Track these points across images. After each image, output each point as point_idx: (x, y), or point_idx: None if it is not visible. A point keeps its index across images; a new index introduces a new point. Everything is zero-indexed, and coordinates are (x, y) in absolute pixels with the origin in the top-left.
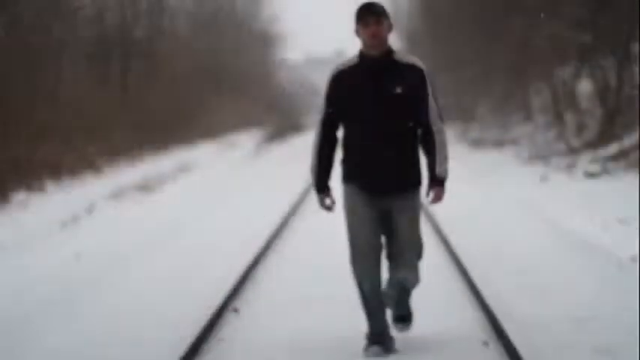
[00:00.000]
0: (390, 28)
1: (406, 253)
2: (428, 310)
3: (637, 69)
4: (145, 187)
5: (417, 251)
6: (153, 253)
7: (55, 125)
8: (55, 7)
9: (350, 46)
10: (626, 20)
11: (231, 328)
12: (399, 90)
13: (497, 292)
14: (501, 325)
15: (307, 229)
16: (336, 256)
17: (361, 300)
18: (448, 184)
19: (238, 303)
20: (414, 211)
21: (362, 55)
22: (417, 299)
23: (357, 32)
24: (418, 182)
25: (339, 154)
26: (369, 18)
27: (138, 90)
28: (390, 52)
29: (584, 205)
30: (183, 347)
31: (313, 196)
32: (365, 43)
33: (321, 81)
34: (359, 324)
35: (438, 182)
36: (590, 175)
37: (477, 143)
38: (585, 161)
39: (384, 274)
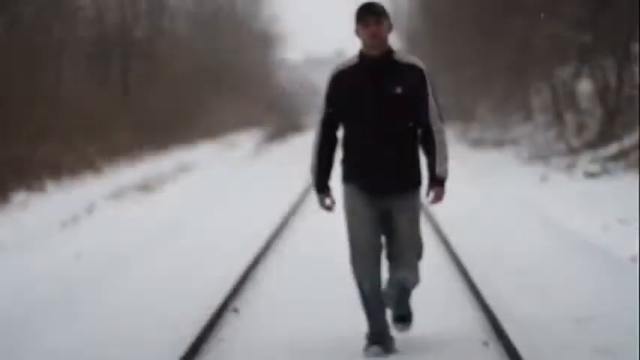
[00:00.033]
0: (390, 28)
1: (406, 253)
2: (428, 310)
3: (637, 69)
4: (145, 187)
5: (417, 251)
6: (153, 253)
7: (55, 125)
8: (55, 7)
9: (350, 46)
10: (626, 20)
11: (231, 328)
12: (399, 90)
13: (497, 292)
14: (501, 325)
15: (307, 229)
16: (336, 256)
17: (361, 300)
18: (448, 184)
19: (238, 303)
20: (414, 210)
21: (362, 55)
22: (417, 299)
23: (357, 32)
24: (418, 182)
25: (338, 154)
26: (369, 18)
27: (138, 90)
28: (390, 52)
29: (584, 205)
30: (183, 347)
31: (313, 197)
32: (365, 43)
33: (321, 81)
34: (359, 324)
35: (438, 182)
36: (590, 175)
37: (477, 143)
38: (585, 161)
39: (384, 274)
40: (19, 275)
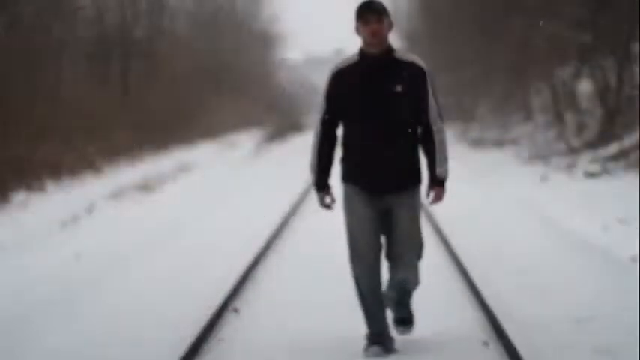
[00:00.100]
0: (390, 26)
1: (406, 253)
2: (428, 310)
3: (637, 69)
4: (145, 187)
5: (417, 251)
6: (153, 253)
7: (55, 125)
8: (55, 7)
9: (350, 45)
10: (626, 20)
11: (231, 328)
12: (399, 88)
13: (497, 292)
14: (501, 325)
15: (307, 229)
16: (336, 256)
17: (360, 300)
18: (448, 184)
19: (238, 303)
20: (414, 210)
21: (362, 53)
22: (417, 299)
23: (358, 30)
24: (418, 181)
25: (338, 153)
26: (370, 16)
27: (138, 90)
28: (390, 50)
29: (584, 205)
30: (183, 347)
31: (313, 196)
32: (365, 41)
33: (320, 81)
34: (359, 324)
35: (438, 182)
36: (590, 175)
37: (477, 143)
38: (585, 161)
39: (384, 274)
40: (19, 275)
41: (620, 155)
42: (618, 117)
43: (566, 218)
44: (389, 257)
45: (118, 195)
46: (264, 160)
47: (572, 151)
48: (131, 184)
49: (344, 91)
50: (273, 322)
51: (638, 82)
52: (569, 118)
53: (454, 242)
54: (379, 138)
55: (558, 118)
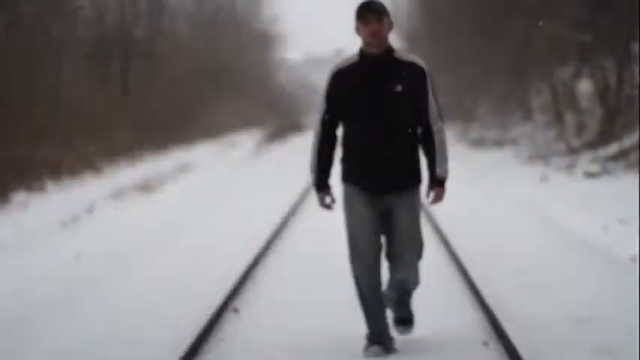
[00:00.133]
0: (390, 26)
1: (406, 253)
2: (428, 310)
3: (637, 69)
4: (145, 187)
5: (417, 251)
6: (153, 253)
7: (55, 125)
8: (55, 7)
9: (350, 45)
10: (626, 20)
11: (231, 328)
12: (399, 88)
13: (497, 292)
14: (501, 325)
15: (307, 229)
16: (336, 256)
17: (360, 300)
18: (448, 184)
19: (238, 303)
20: (414, 209)
21: (362, 53)
22: (417, 299)
23: (358, 30)
24: (418, 181)
25: (338, 153)
26: (370, 16)
27: (138, 90)
28: (390, 50)
29: (584, 205)
30: (183, 347)
31: (313, 197)
32: (365, 41)
33: (320, 81)
34: (359, 324)
35: (438, 183)
36: (590, 175)
37: (477, 143)
38: (585, 161)
39: (384, 274)
40: (19, 275)
41: (620, 155)
42: (618, 117)
43: (566, 218)
44: (389, 257)
45: (118, 195)
46: (264, 160)
47: (572, 151)
48: (131, 184)
49: (344, 91)
50: (273, 322)
51: (638, 82)
52: (569, 118)
53: (454, 242)
54: (379, 138)
55: (558, 118)
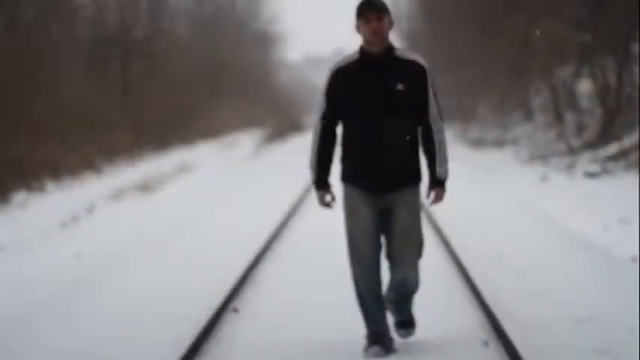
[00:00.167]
0: (391, 24)
1: (406, 252)
2: (428, 310)
3: (637, 69)
4: (145, 187)
5: (418, 250)
6: (153, 253)
7: (55, 125)
8: (55, 7)
9: (350, 45)
10: (626, 20)
11: (231, 328)
12: (399, 87)
13: (497, 292)
14: (501, 325)
15: (307, 229)
16: (336, 256)
17: (360, 300)
18: (448, 184)
19: (238, 303)
20: (414, 207)
21: (362, 51)
22: (417, 299)
23: (358, 28)
24: (418, 180)
25: (338, 152)
26: (370, 14)
27: (138, 90)
28: (391, 48)
29: (584, 205)
30: (183, 347)
31: (313, 197)
32: (365, 40)
33: (320, 81)
34: (359, 324)
35: (438, 183)
36: (590, 175)
37: (477, 143)
38: (585, 161)
39: (385, 275)
40: (19, 275)
41: (620, 155)
42: (618, 117)
43: (566, 218)
44: (389, 257)
45: (117, 195)
46: (264, 160)
47: (572, 151)
48: (131, 184)
49: (344, 89)
50: (273, 322)
51: (638, 82)
52: (569, 118)
53: (454, 242)
54: (379, 137)
55: (558, 118)
